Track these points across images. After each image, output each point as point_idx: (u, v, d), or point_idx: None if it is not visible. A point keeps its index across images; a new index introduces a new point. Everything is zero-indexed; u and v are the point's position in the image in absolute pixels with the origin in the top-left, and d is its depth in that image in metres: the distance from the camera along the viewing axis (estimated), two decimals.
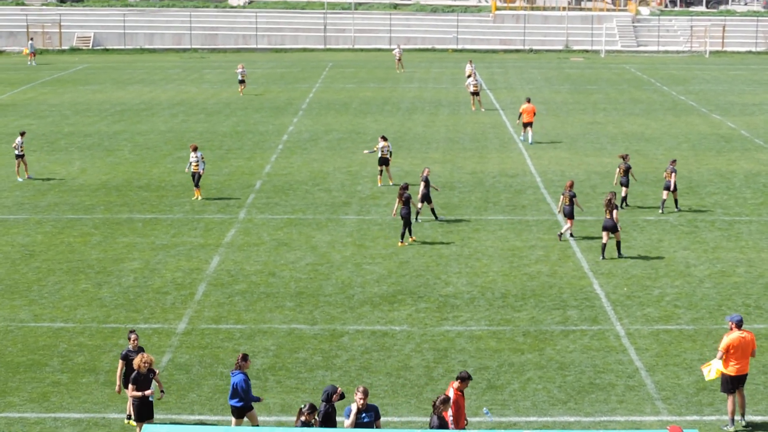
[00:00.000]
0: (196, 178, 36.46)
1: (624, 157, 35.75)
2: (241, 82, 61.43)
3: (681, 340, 24.06)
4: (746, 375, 19.74)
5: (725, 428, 19.68)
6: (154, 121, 53.02)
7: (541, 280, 28.20)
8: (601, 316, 25.58)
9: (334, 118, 53.62)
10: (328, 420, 16.94)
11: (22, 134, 40.17)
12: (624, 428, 19.71)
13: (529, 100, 48.01)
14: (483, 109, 55.83)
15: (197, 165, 36.27)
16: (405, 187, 31.49)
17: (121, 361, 19.67)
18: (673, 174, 34.46)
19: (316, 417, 16.70)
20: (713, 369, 19.61)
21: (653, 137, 48.76)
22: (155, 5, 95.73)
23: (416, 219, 33.67)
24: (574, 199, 31.41)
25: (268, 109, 56.52)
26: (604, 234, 29.86)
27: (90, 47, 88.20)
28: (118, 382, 19.82)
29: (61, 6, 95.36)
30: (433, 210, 34.11)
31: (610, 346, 23.65)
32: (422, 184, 33.69)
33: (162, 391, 18.98)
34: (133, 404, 18.72)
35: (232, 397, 18.67)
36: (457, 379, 17.78)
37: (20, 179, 39.49)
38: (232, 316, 25.49)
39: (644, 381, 21.83)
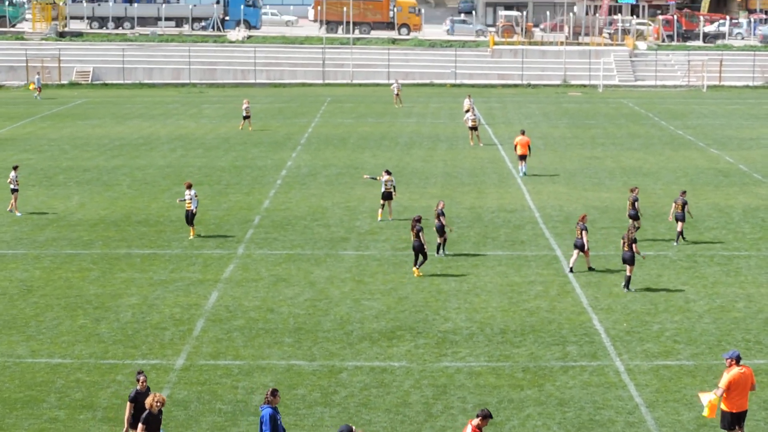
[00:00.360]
0: (190, 216, 36.19)
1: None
2: (246, 117, 61.01)
3: (681, 375, 23.98)
4: (746, 411, 19.67)
5: None
6: (152, 156, 53.07)
7: (541, 315, 28.14)
8: (601, 351, 25.51)
9: (332, 153, 53.70)
10: None
11: (15, 168, 40.22)
12: None
13: (523, 132, 48.62)
14: (481, 144, 55.94)
15: (190, 202, 35.93)
16: (418, 219, 31.80)
17: (129, 403, 19.21)
18: (684, 206, 34.98)
19: None
20: (707, 400, 19.46)
21: (651, 172, 48.83)
22: (154, 40, 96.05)
23: (442, 252, 33.89)
24: (584, 232, 31.67)
25: (266, 144, 56.60)
26: (627, 268, 30.01)
27: (89, 82, 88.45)
28: (126, 425, 19.42)
29: (61, 41, 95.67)
30: (441, 245, 34.04)
31: (609, 382, 23.58)
32: (437, 217, 33.69)
33: None
34: None
35: None
36: (477, 416, 17.66)
37: (19, 214, 39.45)
38: (230, 352, 25.41)
39: (644, 417, 21.74)
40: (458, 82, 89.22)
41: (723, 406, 19.54)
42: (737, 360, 19.54)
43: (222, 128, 62.58)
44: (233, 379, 23.74)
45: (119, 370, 24.19)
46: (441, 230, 33.69)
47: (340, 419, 21.36)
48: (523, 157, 47.81)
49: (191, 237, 36.10)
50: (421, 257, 31.76)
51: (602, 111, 71.94)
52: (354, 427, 17.18)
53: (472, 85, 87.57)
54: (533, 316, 28.04)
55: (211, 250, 34.80)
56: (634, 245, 29.77)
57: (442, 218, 33.53)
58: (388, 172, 38.99)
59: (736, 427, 19.60)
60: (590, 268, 32.33)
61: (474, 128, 56.27)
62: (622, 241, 30.44)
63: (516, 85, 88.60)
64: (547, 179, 46.85)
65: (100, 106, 73.79)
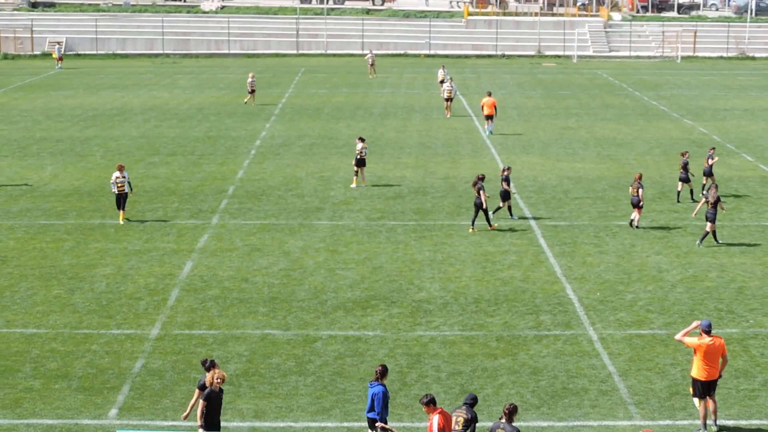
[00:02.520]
0: (122, 200, 34.06)
1: (683, 154, 37.31)
2: (251, 92, 59.40)
3: (653, 344, 24.16)
4: (717, 380, 19.84)
5: None
6: (126, 126, 52.84)
7: (514, 285, 28.27)
8: (574, 320, 25.66)
9: (306, 124, 53.60)
10: None
11: None
12: None
13: (490, 94, 51.38)
14: (449, 115, 55.60)
15: (123, 186, 33.84)
16: (481, 178, 33.16)
17: (198, 390, 18.61)
18: (710, 159, 37.18)
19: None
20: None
21: (625, 142, 48.99)
22: (127, 10, 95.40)
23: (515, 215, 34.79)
24: (640, 190, 33.05)
25: (240, 115, 56.43)
26: (708, 225, 31.55)
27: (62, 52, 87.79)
28: (188, 411, 18.89)
29: (33, 11, 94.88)
30: (509, 208, 34.74)
31: (583, 351, 23.73)
32: (503, 182, 34.11)
33: None
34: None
35: (369, 410, 18.14)
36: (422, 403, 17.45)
37: None
38: (205, 322, 25.43)
39: (617, 386, 21.90)
40: (432, 52, 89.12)
41: (693, 375, 19.73)
42: (708, 330, 19.69)
43: (196, 99, 62.34)
44: (208, 348, 23.76)
45: (94, 339, 24.17)
46: (506, 195, 34.30)
47: (315, 388, 21.45)
48: (489, 117, 50.47)
49: (121, 222, 34.05)
50: (482, 213, 33.22)
51: (576, 82, 72.05)
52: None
53: (447, 56, 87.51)
54: (507, 286, 28.16)
55: (185, 220, 34.74)
56: (719, 204, 31.36)
57: (505, 184, 34.25)
58: (362, 139, 39.13)
59: (707, 396, 19.77)
60: (635, 226, 33.67)
61: (449, 99, 56.17)
62: (704, 200, 31.92)
63: (490, 56, 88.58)
64: (521, 149, 46.95)
65: (73, 77, 73.33)
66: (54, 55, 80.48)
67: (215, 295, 27.34)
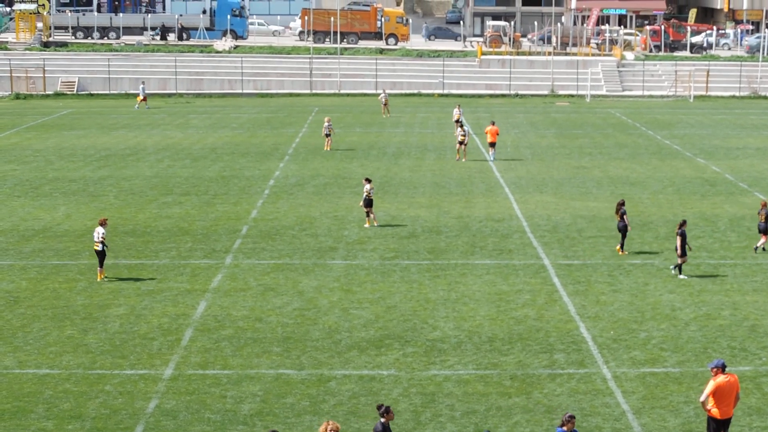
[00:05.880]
0: (100, 257, 32.22)
1: (764, 204, 35.97)
2: (327, 135, 58.06)
3: (667, 382, 24.07)
4: (731, 418, 19.76)
5: None
6: (139, 166, 53.04)
7: (528, 323, 28.21)
8: (588, 359, 25.58)
9: (320, 163, 53.74)
10: None
11: None
12: None
13: (493, 123, 55.47)
14: (465, 160, 54.76)
15: (98, 243, 31.97)
16: (622, 203, 35.23)
17: None
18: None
19: None
20: None
21: (638, 181, 48.99)
22: (140, 50, 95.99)
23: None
24: None
25: (254, 154, 56.62)
26: (763, 238, 34.49)
27: (74, 92, 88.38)
28: None
29: (45, 51, 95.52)
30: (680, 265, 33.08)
31: (596, 389, 23.65)
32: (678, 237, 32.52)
33: None
34: None
35: None
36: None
37: None
38: (218, 362, 25.41)
39: (631, 424, 21.81)
40: (446, 91, 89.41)
41: (709, 413, 19.64)
42: (722, 368, 19.63)
43: (209, 138, 62.58)
44: (222, 388, 23.74)
45: (107, 380, 24.17)
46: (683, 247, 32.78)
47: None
48: (492, 144, 54.46)
49: (102, 278, 32.37)
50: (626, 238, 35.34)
51: (590, 121, 72.14)
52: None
53: (460, 95, 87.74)
54: (521, 325, 28.10)
55: (198, 260, 34.79)
56: None
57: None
58: (368, 180, 39.22)
59: None
60: (763, 248, 35.53)
61: (462, 143, 55.05)
62: (760, 215, 34.95)
63: (504, 95, 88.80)
64: (535, 188, 46.97)
65: (85, 117, 73.71)
66: (138, 98, 79.79)
67: (229, 334, 27.33)
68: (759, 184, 48.20)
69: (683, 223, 32.55)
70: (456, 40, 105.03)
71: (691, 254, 35.37)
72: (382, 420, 18.41)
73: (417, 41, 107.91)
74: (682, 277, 32.43)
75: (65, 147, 59.41)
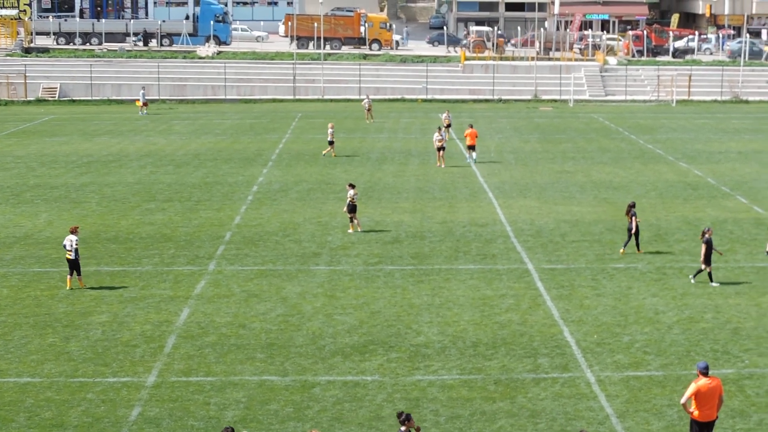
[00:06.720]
0: (70, 265, 31.81)
1: None
2: (331, 143, 57.63)
3: (651, 386, 24.10)
4: (714, 421, 19.78)
5: None
6: (122, 172, 52.89)
7: (512, 328, 28.20)
8: (572, 363, 25.59)
9: (303, 169, 53.68)
10: None
11: None
12: None
13: (471, 126, 56.10)
14: (443, 166, 54.55)
15: (70, 251, 31.50)
16: (632, 205, 35.53)
17: None
18: None
19: None
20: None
21: (621, 185, 49.07)
22: (123, 56, 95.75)
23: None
24: None
25: (237, 160, 56.53)
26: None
27: (56, 98, 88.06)
28: None
29: (27, 57, 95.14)
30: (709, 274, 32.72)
31: (580, 393, 23.65)
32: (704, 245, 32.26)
33: None
34: None
35: None
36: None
37: None
38: (202, 369, 25.32)
39: (615, 428, 21.81)
40: (429, 97, 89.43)
41: (691, 416, 19.66)
42: (705, 371, 19.65)
43: (192, 144, 62.45)
44: (205, 395, 23.66)
45: (90, 388, 24.05)
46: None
47: None
48: (471, 147, 55.17)
49: (81, 287, 32.02)
50: (633, 239, 35.64)
51: (573, 125, 72.27)
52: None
53: (444, 100, 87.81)
54: (505, 329, 28.09)
55: (181, 266, 34.69)
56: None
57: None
58: (352, 186, 39.17)
59: None
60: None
61: (441, 149, 54.97)
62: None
63: (487, 100, 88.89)
64: (518, 193, 47.01)
65: (67, 123, 73.47)
66: (138, 103, 79.96)
67: (212, 341, 27.25)
68: (740, 188, 48.34)
69: (707, 231, 32.08)
70: (461, 46, 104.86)
71: (674, 258, 35.45)
72: (402, 429, 18.21)
73: (420, 46, 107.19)
74: (714, 284, 32.11)
75: (47, 153, 59.19)
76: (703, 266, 32.13)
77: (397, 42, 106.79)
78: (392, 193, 47.23)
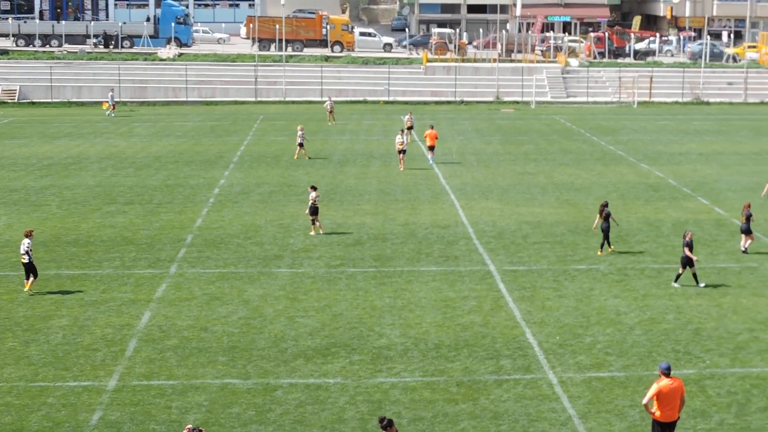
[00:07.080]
0: (26, 268, 31.54)
1: (748, 206, 36.93)
2: (301, 145, 57.27)
3: (613, 386, 24.19)
4: (676, 421, 19.88)
5: None
6: (82, 175, 52.53)
7: (474, 330, 28.23)
8: (534, 364, 25.65)
9: (265, 171, 53.53)
10: None
11: None
12: None
13: (432, 127, 56.58)
14: (402, 169, 54.21)
15: (24, 255, 31.29)
16: (605, 204, 36.00)
17: None
18: (749, 218, 36.49)
19: None
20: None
21: (583, 187, 49.28)
22: (83, 58, 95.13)
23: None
24: (750, 217, 36.01)
25: (198, 163, 56.29)
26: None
27: (15, 101, 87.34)
28: None
29: None
30: (694, 275, 32.56)
31: (543, 395, 23.70)
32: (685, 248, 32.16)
33: None
34: None
35: None
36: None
37: None
38: (163, 372, 25.18)
39: (577, 428, 21.88)
40: (391, 99, 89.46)
41: (653, 416, 19.76)
42: (666, 372, 19.74)
43: (153, 147, 62.12)
44: (167, 399, 23.52)
45: (50, 392, 23.85)
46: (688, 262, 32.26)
47: None
48: (431, 148, 55.45)
49: (28, 290, 31.68)
50: (606, 240, 35.99)
51: (535, 127, 72.52)
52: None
53: (406, 102, 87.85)
54: (467, 331, 28.12)
55: (143, 269, 34.48)
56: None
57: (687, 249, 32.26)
58: (314, 188, 39.11)
59: None
60: (744, 251, 36.46)
61: (402, 152, 54.78)
62: (742, 216, 36.04)
63: (449, 102, 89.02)
64: (480, 195, 47.09)
65: (27, 125, 72.87)
66: (105, 105, 79.50)
67: (174, 344, 27.10)
68: (702, 189, 48.67)
69: (686, 234, 32.02)
70: (448, 48, 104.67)
71: (635, 259, 35.63)
72: None
73: (363, 48, 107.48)
74: (701, 285, 32.27)
75: (6, 156, 58.68)
76: (690, 269, 32.35)
77: (390, 45, 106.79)
78: (354, 195, 47.19)
